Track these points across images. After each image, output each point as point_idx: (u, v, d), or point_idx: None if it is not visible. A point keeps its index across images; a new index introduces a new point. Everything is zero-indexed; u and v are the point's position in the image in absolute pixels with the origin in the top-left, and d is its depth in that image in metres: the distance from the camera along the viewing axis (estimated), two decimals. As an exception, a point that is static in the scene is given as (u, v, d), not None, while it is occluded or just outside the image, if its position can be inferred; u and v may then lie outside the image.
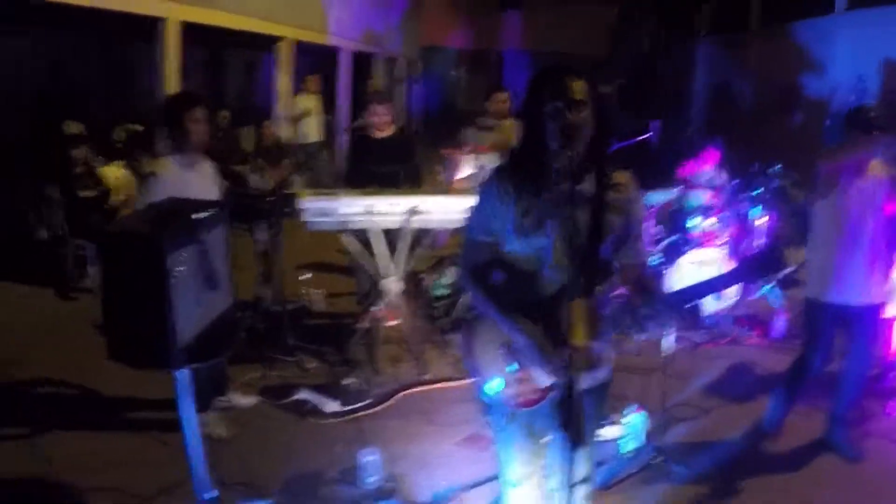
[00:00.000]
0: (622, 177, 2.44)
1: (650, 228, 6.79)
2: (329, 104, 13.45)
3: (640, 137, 5.87)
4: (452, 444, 4.25)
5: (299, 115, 11.12)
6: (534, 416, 2.50)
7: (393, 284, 5.32)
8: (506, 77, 24.68)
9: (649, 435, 4.25)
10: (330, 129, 12.99)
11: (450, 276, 6.47)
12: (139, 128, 10.07)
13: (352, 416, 4.56)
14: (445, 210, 5.20)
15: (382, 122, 5.74)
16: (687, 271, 5.89)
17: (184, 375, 2.74)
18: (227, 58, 16.35)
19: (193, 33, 8.58)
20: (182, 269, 2.52)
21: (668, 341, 4.04)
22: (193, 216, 2.69)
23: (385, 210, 5.12)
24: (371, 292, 5.95)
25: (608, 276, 2.48)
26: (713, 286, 2.41)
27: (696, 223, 6.63)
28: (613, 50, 24.00)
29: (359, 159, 5.83)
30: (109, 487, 3.59)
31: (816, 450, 4.26)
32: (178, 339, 2.50)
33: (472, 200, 2.53)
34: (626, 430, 4.20)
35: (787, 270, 6.12)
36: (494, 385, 2.43)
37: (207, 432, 4.11)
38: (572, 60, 2.37)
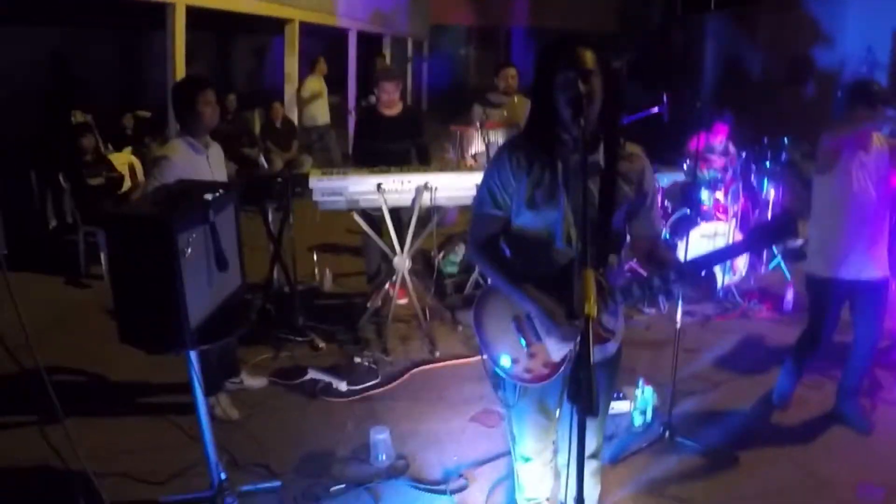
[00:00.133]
0: (635, 148, 2.43)
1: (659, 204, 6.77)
2: (338, 86, 13.39)
3: (652, 110, 5.82)
4: (463, 422, 4.28)
5: (308, 97, 11.10)
6: (545, 392, 2.49)
7: (403, 263, 5.35)
8: (514, 54, 24.54)
9: (658, 409, 4.28)
10: (339, 110, 12.96)
11: (460, 253, 6.49)
12: (147, 114, 10.12)
13: (362, 394, 4.59)
14: (455, 187, 5.21)
15: (391, 100, 5.73)
16: (697, 244, 5.87)
17: (195, 357, 2.77)
18: (234, 41, 16.32)
19: (200, 17, 8.55)
20: (192, 250, 2.54)
21: (679, 314, 4.04)
22: (203, 197, 2.71)
23: (394, 188, 5.13)
24: (381, 271, 5.99)
25: (620, 247, 2.46)
26: (728, 253, 2.38)
27: (706, 196, 6.62)
28: (622, 25, 23.78)
29: (368, 136, 5.83)
30: (123, 472, 3.63)
31: (826, 422, 4.27)
32: (190, 320, 2.53)
33: (481, 177, 2.52)
34: (635, 403, 4.23)
35: (798, 243, 6.12)
36: (506, 360, 2.43)
37: (219, 414, 4.18)
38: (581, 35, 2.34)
